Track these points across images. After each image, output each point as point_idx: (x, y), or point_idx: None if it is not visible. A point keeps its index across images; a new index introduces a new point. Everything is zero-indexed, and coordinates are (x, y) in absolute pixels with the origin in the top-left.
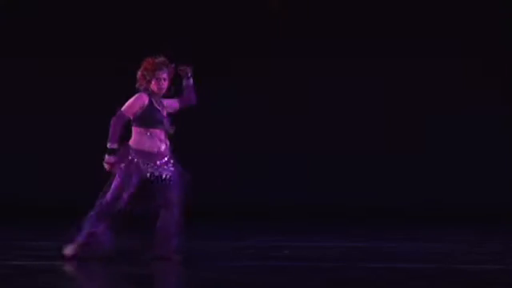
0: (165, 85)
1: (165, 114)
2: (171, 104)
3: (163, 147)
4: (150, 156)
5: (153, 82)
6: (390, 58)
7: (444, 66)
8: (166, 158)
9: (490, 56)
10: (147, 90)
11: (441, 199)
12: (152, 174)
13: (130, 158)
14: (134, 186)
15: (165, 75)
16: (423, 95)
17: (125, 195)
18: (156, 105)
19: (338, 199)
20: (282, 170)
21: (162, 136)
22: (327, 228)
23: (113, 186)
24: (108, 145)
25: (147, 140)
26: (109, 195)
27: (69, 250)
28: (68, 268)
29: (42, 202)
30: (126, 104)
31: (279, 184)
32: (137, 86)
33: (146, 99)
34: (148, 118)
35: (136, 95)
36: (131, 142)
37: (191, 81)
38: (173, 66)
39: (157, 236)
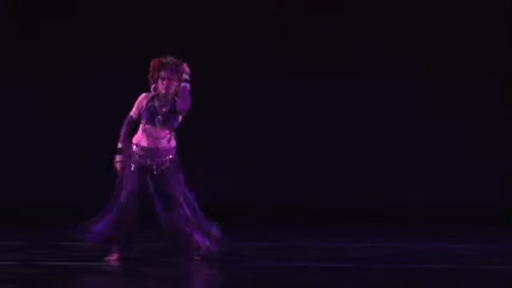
0: (170, 84)
1: (163, 111)
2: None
3: (159, 144)
4: (146, 150)
5: (159, 82)
6: (390, 58)
7: (444, 66)
8: (164, 156)
9: (490, 56)
10: (156, 90)
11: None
12: (149, 166)
13: (129, 152)
14: (136, 180)
15: (170, 75)
16: (423, 95)
17: (133, 196)
18: (157, 103)
19: (364, 201)
20: (304, 170)
21: (161, 134)
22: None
23: (122, 185)
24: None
25: (144, 136)
26: (122, 196)
27: (111, 255)
28: (103, 268)
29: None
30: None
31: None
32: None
33: (145, 99)
34: (145, 115)
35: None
36: (134, 137)
37: (185, 85)
38: (183, 64)
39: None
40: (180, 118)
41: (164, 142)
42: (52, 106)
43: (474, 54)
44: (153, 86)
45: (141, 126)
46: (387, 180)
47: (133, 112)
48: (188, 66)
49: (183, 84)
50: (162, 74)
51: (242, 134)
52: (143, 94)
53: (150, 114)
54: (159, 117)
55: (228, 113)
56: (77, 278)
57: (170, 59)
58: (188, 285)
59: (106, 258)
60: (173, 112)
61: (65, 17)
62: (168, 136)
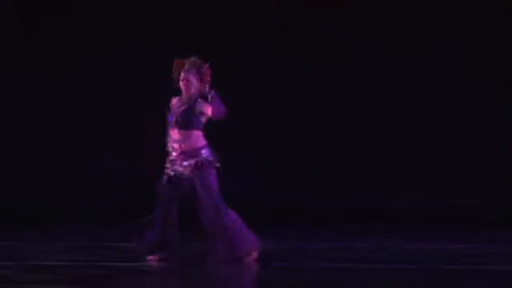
0: (189, 85)
1: (179, 111)
2: (205, 109)
3: (181, 146)
4: (174, 154)
5: (180, 83)
6: (390, 58)
7: (444, 66)
8: (188, 158)
9: (490, 56)
10: (180, 92)
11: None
12: (174, 173)
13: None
14: (170, 184)
15: (188, 76)
16: (423, 95)
17: (171, 200)
18: (177, 104)
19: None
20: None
21: (179, 135)
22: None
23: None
24: None
25: (170, 139)
26: (163, 200)
27: (152, 255)
28: (151, 268)
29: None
30: None
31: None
32: None
33: (173, 100)
34: (169, 117)
35: None
36: None
37: (212, 92)
38: (205, 66)
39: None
40: (202, 119)
41: (186, 144)
42: (52, 106)
43: (474, 53)
44: (176, 87)
45: None
46: (387, 180)
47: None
48: (208, 67)
49: (212, 93)
50: (182, 75)
51: (241, 134)
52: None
53: (171, 115)
54: (174, 117)
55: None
56: (139, 278)
57: (189, 60)
58: (227, 285)
59: (148, 258)
60: (191, 112)
61: (65, 17)
62: (189, 138)
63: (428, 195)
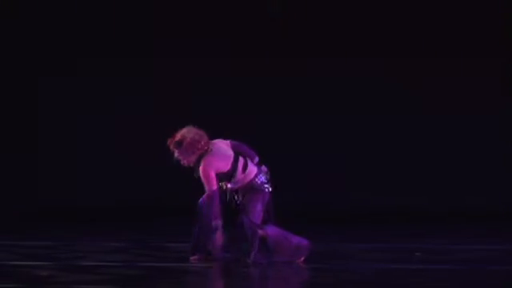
0: (185, 162)
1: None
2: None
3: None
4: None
5: None
6: (390, 58)
7: (444, 66)
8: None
9: (490, 56)
10: None
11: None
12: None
13: None
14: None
15: (179, 157)
16: (423, 95)
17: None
18: None
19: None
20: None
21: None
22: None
23: None
24: None
25: None
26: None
27: (195, 256)
28: (193, 269)
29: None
30: None
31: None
32: None
33: None
34: None
35: None
36: None
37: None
38: (186, 141)
39: None
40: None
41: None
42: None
43: (474, 54)
44: None
45: None
46: (383, 181)
47: None
48: (190, 141)
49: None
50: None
51: (242, 135)
52: None
53: None
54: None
55: (227, 113)
56: (179, 278)
57: (175, 140)
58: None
59: (191, 259)
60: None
61: (62, 17)
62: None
63: (428, 195)
